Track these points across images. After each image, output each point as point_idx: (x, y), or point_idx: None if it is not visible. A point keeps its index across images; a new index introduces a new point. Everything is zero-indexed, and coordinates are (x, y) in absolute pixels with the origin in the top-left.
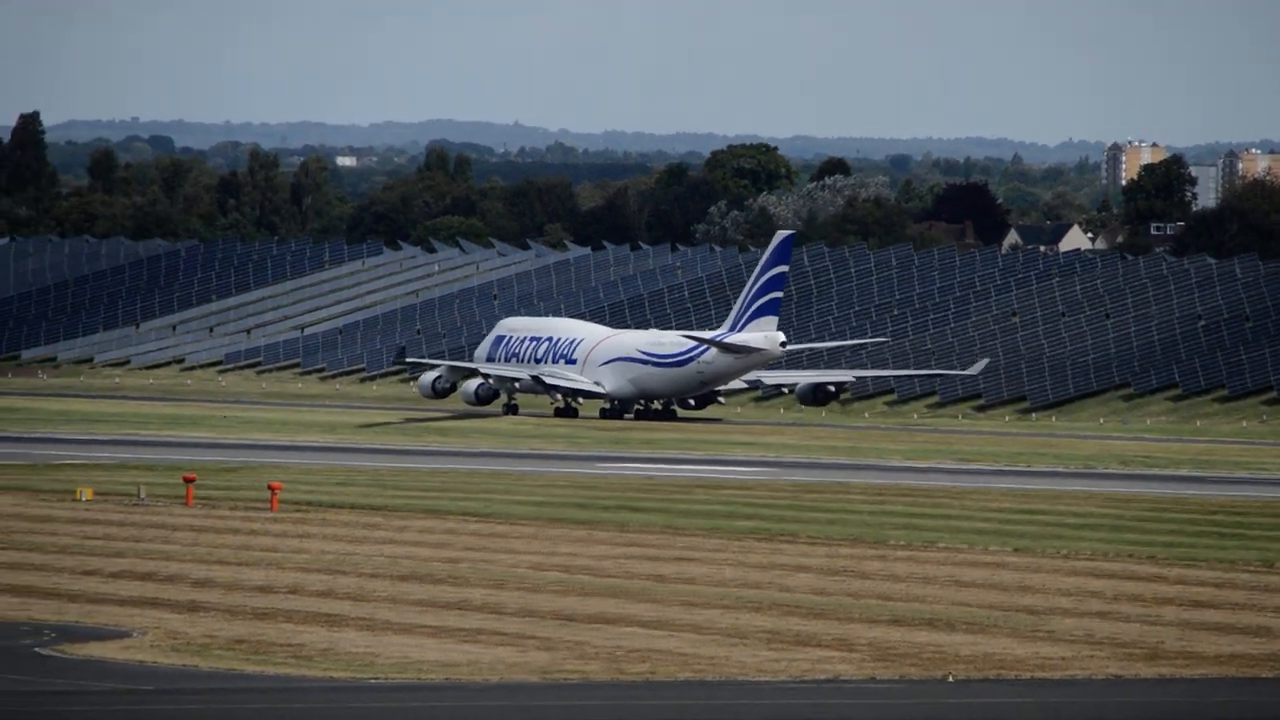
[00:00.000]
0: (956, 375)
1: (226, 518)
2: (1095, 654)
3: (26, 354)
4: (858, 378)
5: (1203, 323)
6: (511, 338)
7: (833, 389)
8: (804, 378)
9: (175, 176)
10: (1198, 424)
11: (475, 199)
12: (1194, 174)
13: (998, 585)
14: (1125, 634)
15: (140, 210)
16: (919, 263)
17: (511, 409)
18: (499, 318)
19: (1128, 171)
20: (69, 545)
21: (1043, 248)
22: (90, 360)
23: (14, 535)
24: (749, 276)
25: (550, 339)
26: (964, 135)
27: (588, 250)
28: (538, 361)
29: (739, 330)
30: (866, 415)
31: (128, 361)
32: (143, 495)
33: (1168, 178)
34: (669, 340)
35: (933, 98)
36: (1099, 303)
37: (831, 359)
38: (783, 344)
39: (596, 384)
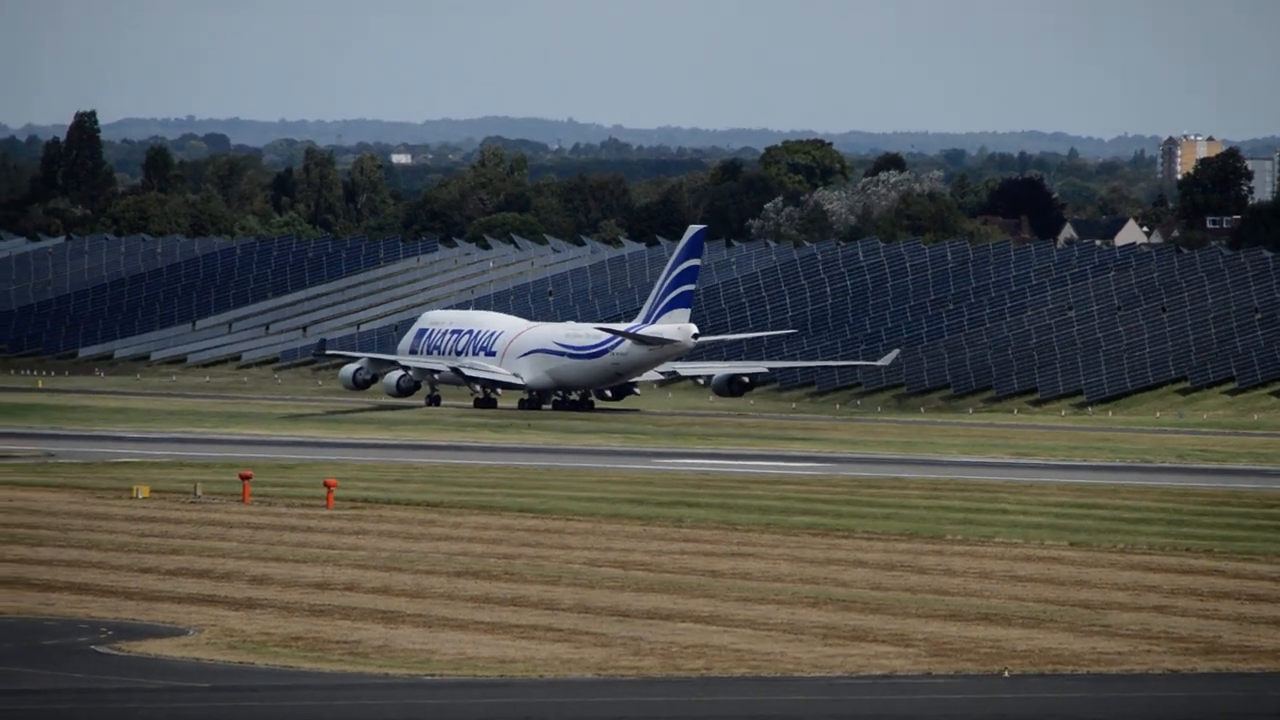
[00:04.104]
0: (868, 366)
1: (283, 515)
2: (1152, 649)
3: (84, 352)
4: (772, 369)
5: (1259, 316)
6: (433, 330)
7: (747, 380)
8: (719, 369)
9: (230, 174)
10: (1255, 417)
11: (530, 196)
12: (1250, 167)
13: (1054, 580)
14: (1182, 628)
15: (196, 208)
16: (974, 258)
17: (434, 400)
18: (555, 315)
19: (1183, 165)
20: (126, 543)
21: (1098, 242)
22: (147, 358)
23: (71, 533)
24: (803, 271)
25: (470, 331)
26: (1019, 130)
27: (642, 246)
28: (458, 354)
29: (652, 323)
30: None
31: (184, 359)
32: (199, 493)
33: (1223, 171)
34: (585, 332)
35: (988, 92)
36: (1155, 297)
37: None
38: (695, 336)
39: (515, 375)
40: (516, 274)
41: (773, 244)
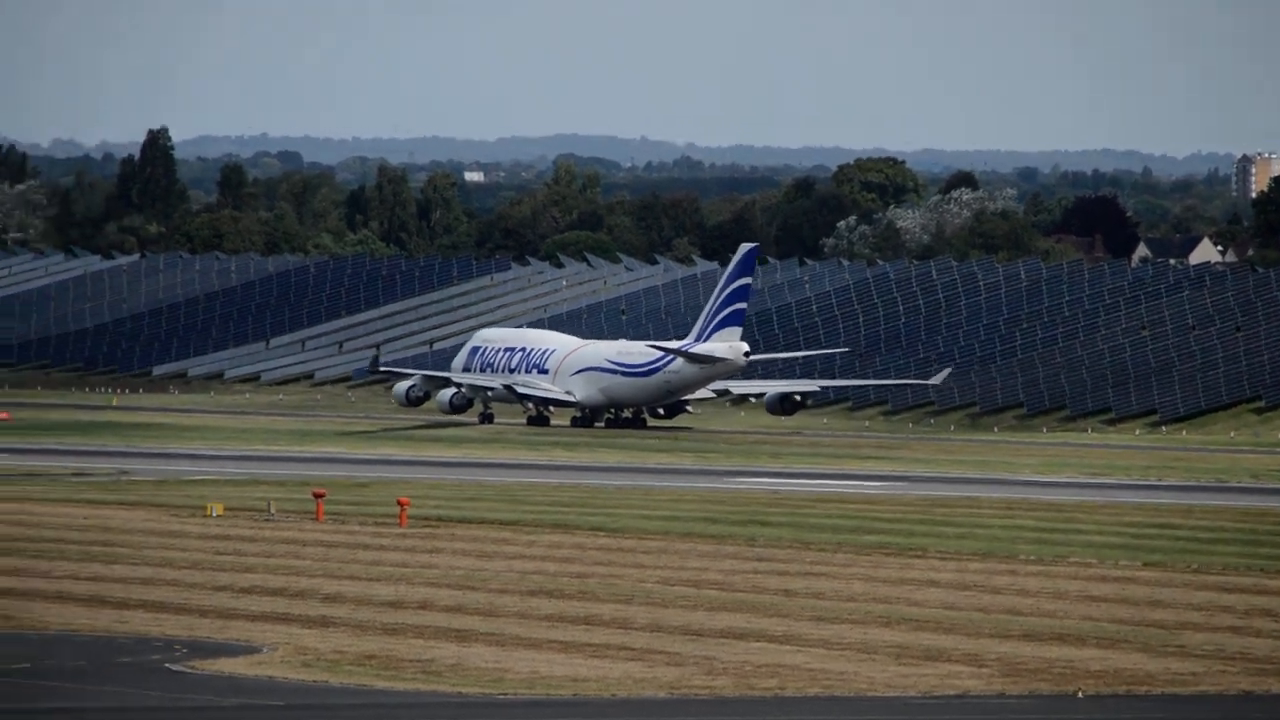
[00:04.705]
0: (919, 385)
1: (356, 533)
2: (1227, 669)
3: (158, 370)
4: (823, 388)
5: None
6: (487, 348)
7: (799, 398)
8: (772, 387)
9: (304, 192)
10: None
11: (602, 214)
12: None
13: (1128, 600)
14: (1257, 649)
15: (269, 226)
16: (1048, 276)
17: (487, 418)
18: (628, 333)
19: (1258, 183)
20: (200, 561)
21: (1172, 261)
22: (220, 376)
23: (146, 551)
24: (876, 290)
25: (523, 349)
26: (1092, 148)
27: (715, 265)
28: (511, 371)
29: (704, 341)
30: (866, 424)
31: (258, 377)
32: (273, 511)
33: None
34: (637, 350)
35: (1061, 110)
36: (1229, 316)
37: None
38: (746, 354)
39: (568, 393)
40: (589, 292)
41: (846, 262)
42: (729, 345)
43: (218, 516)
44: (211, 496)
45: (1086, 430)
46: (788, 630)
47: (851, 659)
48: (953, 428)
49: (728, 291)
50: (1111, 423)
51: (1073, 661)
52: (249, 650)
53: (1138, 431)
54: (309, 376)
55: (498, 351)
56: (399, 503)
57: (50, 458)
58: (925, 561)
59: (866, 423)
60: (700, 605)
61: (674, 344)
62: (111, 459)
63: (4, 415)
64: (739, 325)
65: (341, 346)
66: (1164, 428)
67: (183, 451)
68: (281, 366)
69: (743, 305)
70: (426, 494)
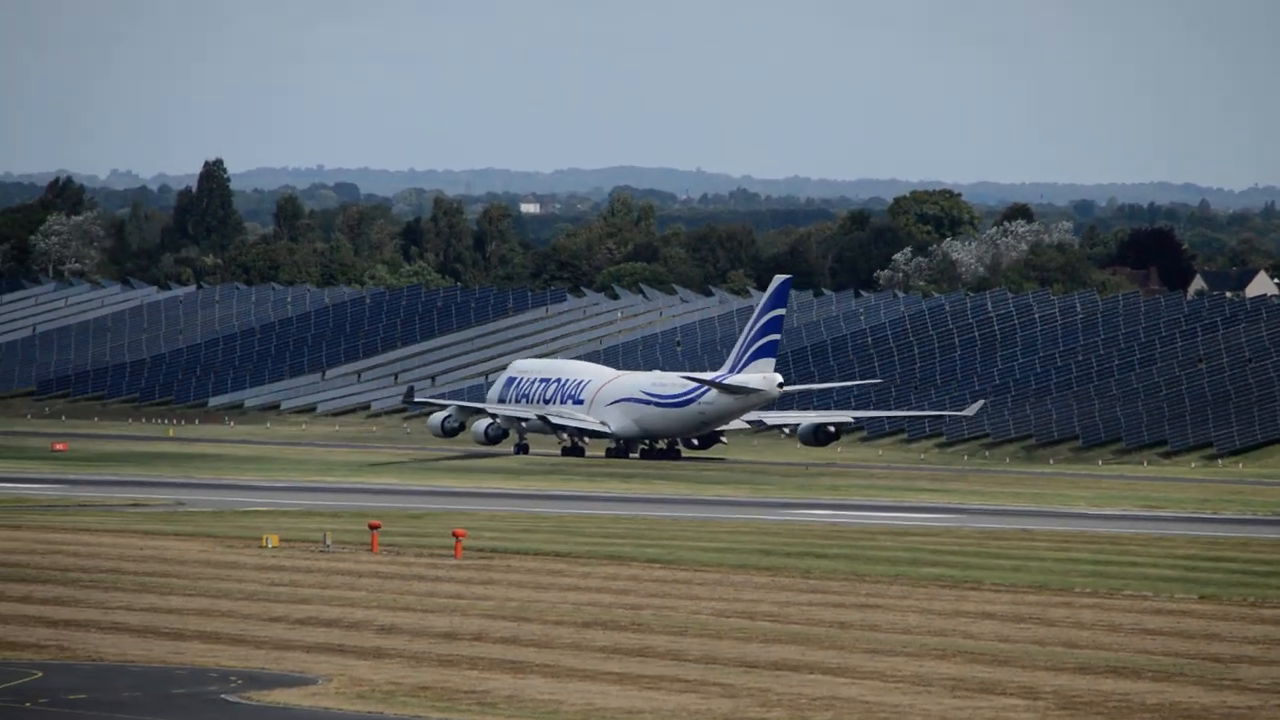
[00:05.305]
0: (955, 416)
1: (411, 564)
2: None
3: (214, 401)
4: (858, 419)
5: None
6: (522, 379)
7: (833, 429)
8: (805, 418)
9: (360, 223)
10: None
11: (658, 245)
12: None
13: (1184, 633)
14: None
15: (325, 257)
16: (1103, 309)
17: (522, 448)
18: (683, 364)
19: None
20: (255, 592)
21: (1229, 293)
22: (276, 407)
23: (201, 582)
24: (931, 322)
25: (559, 380)
26: (1149, 180)
27: None
28: (546, 402)
29: (738, 372)
30: (921, 457)
31: (314, 408)
32: (328, 542)
33: None
34: (671, 381)
35: (1117, 143)
36: None
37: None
38: (780, 385)
39: (602, 424)
40: (645, 324)
41: (901, 294)
42: (762, 376)
43: (273, 547)
44: (267, 528)
45: (1142, 463)
46: (842, 662)
47: (906, 691)
48: (1007, 460)
49: (761, 323)
50: (1167, 456)
51: (1128, 694)
52: (304, 681)
53: (1193, 465)
54: (365, 408)
55: (533, 382)
56: (454, 534)
57: (106, 488)
58: (980, 594)
59: (921, 455)
60: (754, 637)
61: (708, 375)
62: (168, 490)
63: (60, 446)
64: (772, 356)
65: (397, 378)
66: (1220, 461)
67: (239, 483)
68: (337, 398)
69: (776, 336)
70: (482, 525)
